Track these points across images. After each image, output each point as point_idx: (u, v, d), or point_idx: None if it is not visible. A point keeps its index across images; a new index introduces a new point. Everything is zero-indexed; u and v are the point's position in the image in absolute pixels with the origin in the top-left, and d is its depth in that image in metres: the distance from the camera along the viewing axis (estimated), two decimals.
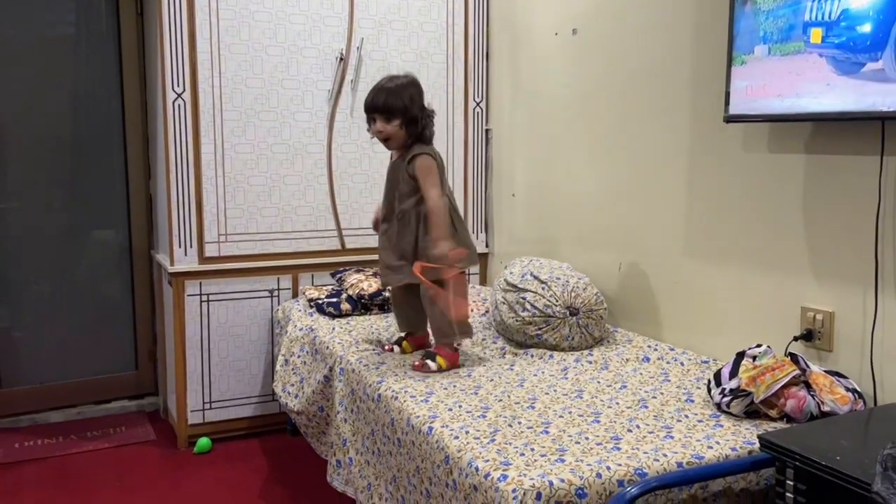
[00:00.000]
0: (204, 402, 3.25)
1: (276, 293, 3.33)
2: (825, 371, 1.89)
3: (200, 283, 3.20)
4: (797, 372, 1.83)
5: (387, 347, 2.49)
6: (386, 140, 2.32)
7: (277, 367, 2.83)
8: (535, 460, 1.60)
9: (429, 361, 2.27)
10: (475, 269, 3.63)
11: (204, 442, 3.21)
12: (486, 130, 3.60)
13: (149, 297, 3.73)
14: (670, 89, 2.51)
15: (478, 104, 3.57)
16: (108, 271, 3.71)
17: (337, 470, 2.35)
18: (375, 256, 3.40)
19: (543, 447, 1.68)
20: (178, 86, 3.07)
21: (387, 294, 3.01)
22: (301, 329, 2.82)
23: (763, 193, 2.20)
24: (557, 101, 3.08)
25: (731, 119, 2.12)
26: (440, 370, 2.25)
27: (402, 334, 2.51)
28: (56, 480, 2.95)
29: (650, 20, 2.58)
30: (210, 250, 3.18)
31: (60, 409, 3.59)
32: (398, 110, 2.26)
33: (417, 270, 2.24)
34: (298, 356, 2.77)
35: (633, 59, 2.67)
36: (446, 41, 3.48)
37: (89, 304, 3.67)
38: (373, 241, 3.45)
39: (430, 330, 2.42)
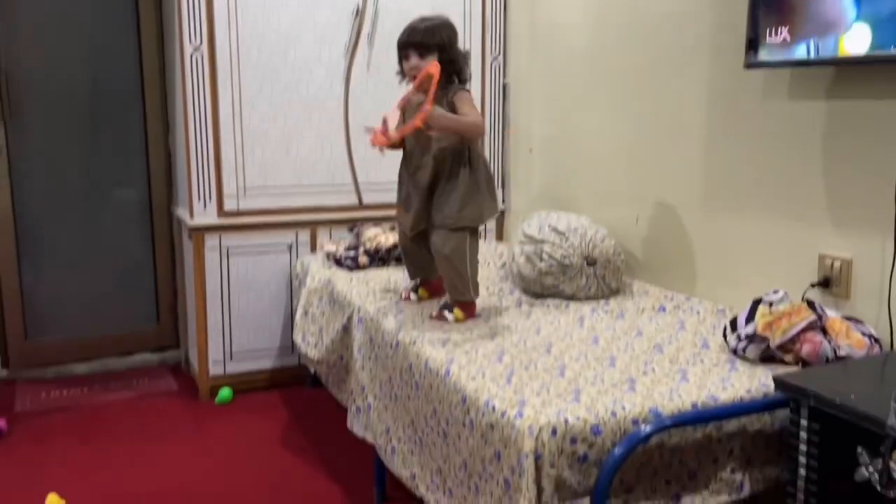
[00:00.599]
0: (224, 354, 3.31)
1: (294, 247, 3.36)
2: (842, 317, 1.90)
3: (220, 237, 3.23)
4: (813, 317, 1.83)
5: (403, 296, 2.51)
6: (416, 76, 2.24)
7: (297, 318, 2.86)
8: (551, 400, 1.62)
9: (446, 312, 2.28)
10: (492, 224, 3.63)
11: (225, 392, 3.27)
12: (504, 85, 3.58)
13: (169, 251, 3.77)
14: (690, 37, 2.48)
15: (495, 58, 3.54)
16: (128, 226, 3.75)
17: (356, 416, 2.39)
18: (392, 212, 3.43)
19: (559, 388, 1.70)
20: (196, 39, 3.07)
21: None
22: (320, 281, 2.85)
23: (782, 141, 2.18)
24: (576, 53, 3.05)
25: (752, 65, 2.10)
26: (457, 321, 2.26)
27: (417, 281, 2.52)
28: (81, 429, 3.02)
29: None
30: (229, 205, 3.21)
31: (85, 362, 3.66)
32: (434, 46, 2.21)
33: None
34: (317, 307, 2.80)
35: (653, 7, 2.63)
36: None
37: (111, 259, 3.72)
38: (390, 195, 3.47)
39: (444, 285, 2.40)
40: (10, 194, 3.47)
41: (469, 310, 2.31)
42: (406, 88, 2.38)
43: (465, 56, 2.31)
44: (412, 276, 2.54)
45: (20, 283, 3.53)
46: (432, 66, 2.14)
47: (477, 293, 2.34)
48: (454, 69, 2.27)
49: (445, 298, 2.37)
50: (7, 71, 3.40)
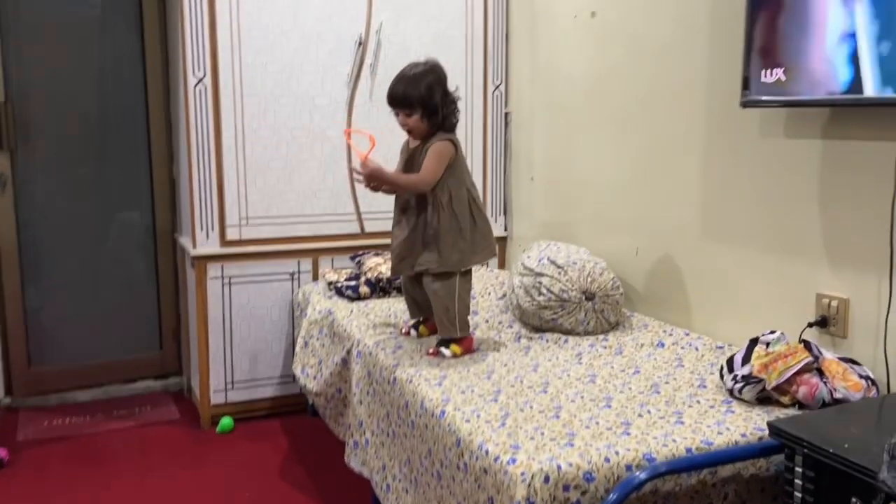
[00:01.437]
0: (226, 383, 3.32)
1: (296, 276, 3.37)
2: (839, 358, 1.89)
3: (222, 266, 3.25)
4: (810, 359, 1.83)
5: (403, 331, 2.51)
6: (410, 132, 2.33)
7: (297, 349, 2.87)
8: (545, 444, 1.62)
9: (443, 349, 2.29)
10: None
11: (226, 421, 3.28)
12: (506, 114, 3.60)
13: (172, 278, 3.80)
14: (687, 73, 2.49)
15: (497, 87, 3.56)
16: (132, 253, 3.78)
17: (354, 451, 2.39)
18: None
19: (553, 431, 1.70)
20: (199, 70, 3.11)
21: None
22: (320, 312, 2.86)
23: (779, 179, 2.19)
24: (576, 84, 3.07)
25: (748, 104, 2.11)
26: (454, 356, 2.27)
27: (415, 318, 2.53)
28: (83, 458, 3.03)
29: (668, 3, 2.56)
30: (231, 234, 3.23)
31: (87, 389, 3.68)
32: (417, 102, 2.25)
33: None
34: (317, 339, 2.81)
35: (651, 42, 2.65)
36: (465, 24, 3.48)
37: (115, 286, 3.74)
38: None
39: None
40: (16, 222, 3.50)
41: (465, 344, 2.32)
42: (398, 130, 2.41)
43: (453, 101, 2.32)
44: (412, 315, 2.54)
45: (24, 310, 3.56)
46: (370, 137, 2.28)
47: (465, 330, 2.34)
48: (437, 121, 2.29)
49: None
50: (14, 100, 3.44)
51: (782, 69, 1.97)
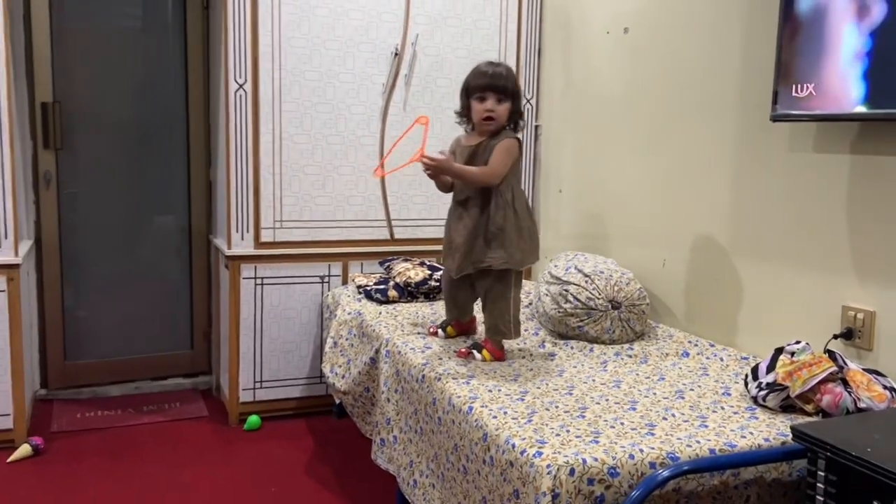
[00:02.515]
0: (255, 382, 3.38)
1: (326, 279, 3.44)
2: (863, 369, 1.91)
3: (255, 267, 3.33)
4: (834, 368, 1.85)
5: (431, 330, 2.56)
6: (491, 120, 2.28)
7: (326, 349, 2.93)
8: (570, 440, 1.66)
9: (475, 352, 2.31)
10: None
11: (254, 419, 3.34)
12: (536, 126, 3.66)
13: (205, 280, 3.88)
14: (718, 88, 2.53)
15: (528, 101, 3.62)
16: (168, 254, 3.88)
17: (381, 448, 2.44)
18: (422, 247, 3.51)
19: (579, 429, 1.73)
20: (241, 77, 3.20)
21: (433, 283, 3.09)
22: (350, 313, 2.92)
23: (807, 193, 2.22)
24: (606, 98, 3.12)
25: (778, 118, 2.15)
26: (483, 361, 2.30)
27: (449, 319, 2.58)
28: (114, 449, 3.11)
29: (700, 19, 2.61)
30: (265, 236, 3.31)
31: (120, 384, 3.77)
32: (512, 93, 2.28)
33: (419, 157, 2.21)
34: (346, 339, 2.87)
35: (683, 57, 2.70)
36: (499, 38, 3.55)
37: (150, 285, 3.84)
38: (421, 232, 3.56)
39: (484, 323, 2.42)
40: (58, 220, 3.61)
41: (497, 354, 2.33)
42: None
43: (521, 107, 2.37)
44: (448, 315, 2.56)
45: (62, 306, 3.66)
46: (423, 117, 2.27)
47: (518, 332, 2.37)
48: (515, 118, 2.33)
49: (475, 338, 2.41)
50: (60, 102, 3.56)
51: (813, 84, 2.01)
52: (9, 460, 2.95)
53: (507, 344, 2.44)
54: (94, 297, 3.74)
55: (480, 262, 2.30)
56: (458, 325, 2.53)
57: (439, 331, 2.54)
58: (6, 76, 2.90)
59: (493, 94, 2.26)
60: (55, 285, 3.64)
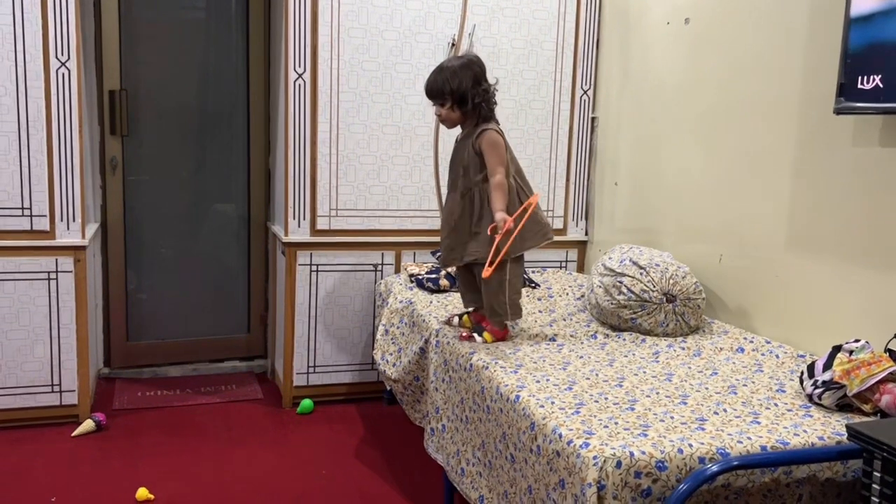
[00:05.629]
0: (308, 366, 3.45)
1: (379, 267, 3.48)
2: None
3: (311, 254, 3.38)
4: (894, 368, 1.80)
5: (449, 318, 2.59)
6: (443, 122, 2.46)
7: (378, 336, 2.97)
8: (618, 433, 1.65)
9: (475, 335, 2.39)
10: (573, 254, 3.67)
11: (307, 403, 3.41)
12: (592, 118, 3.62)
13: (263, 267, 3.97)
14: (780, 81, 2.47)
15: (585, 92, 3.59)
16: (227, 240, 3.97)
17: (431, 437, 2.47)
18: None
19: (627, 422, 1.72)
20: (300, 67, 3.26)
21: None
22: (401, 302, 2.95)
23: (871, 188, 2.15)
24: (665, 90, 3.08)
25: (842, 111, 2.09)
26: (485, 343, 2.36)
27: (469, 309, 2.59)
28: (171, 427, 3.21)
29: (763, 9, 2.55)
30: (321, 223, 3.37)
31: (179, 365, 3.88)
32: (446, 94, 2.38)
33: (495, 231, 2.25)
34: (398, 327, 2.90)
35: (744, 48, 2.64)
36: (557, 29, 3.53)
37: (209, 270, 3.94)
38: None
39: (483, 306, 2.48)
40: (123, 205, 3.74)
41: (499, 335, 2.40)
42: None
43: (485, 91, 2.39)
44: (465, 305, 2.61)
45: (126, 289, 3.79)
46: (508, 222, 2.24)
47: (517, 314, 2.42)
48: (467, 109, 2.39)
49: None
50: (127, 90, 3.67)
51: (879, 76, 1.95)
52: (73, 434, 3.08)
53: (558, 331, 2.44)
54: (156, 281, 3.86)
55: (465, 255, 2.43)
56: (475, 316, 2.55)
57: (455, 319, 2.56)
58: (77, 64, 3.01)
59: (432, 101, 2.43)
60: (119, 268, 3.76)
